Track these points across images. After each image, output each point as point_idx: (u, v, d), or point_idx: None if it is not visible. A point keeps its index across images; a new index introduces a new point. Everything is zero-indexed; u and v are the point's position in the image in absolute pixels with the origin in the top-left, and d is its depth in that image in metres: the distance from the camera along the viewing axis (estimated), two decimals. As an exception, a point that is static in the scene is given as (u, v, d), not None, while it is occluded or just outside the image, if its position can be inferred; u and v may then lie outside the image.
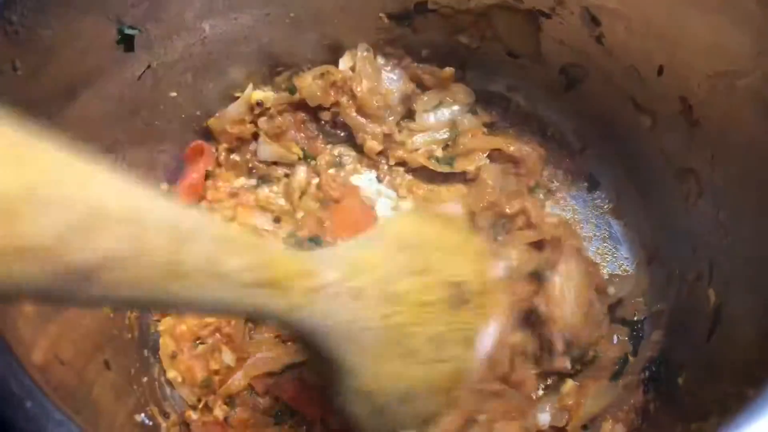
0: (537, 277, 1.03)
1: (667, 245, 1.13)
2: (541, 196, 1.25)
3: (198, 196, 1.19)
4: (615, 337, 1.11)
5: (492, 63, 1.25)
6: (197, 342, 1.09)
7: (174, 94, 1.12)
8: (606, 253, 1.22)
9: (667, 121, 1.05)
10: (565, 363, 1.01)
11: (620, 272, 1.20)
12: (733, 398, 0.66)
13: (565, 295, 1.02)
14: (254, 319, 1.04)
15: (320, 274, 0.67)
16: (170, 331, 1.09)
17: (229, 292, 0.58)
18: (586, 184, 1.26)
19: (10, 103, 0.76)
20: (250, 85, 1.21)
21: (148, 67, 1.01)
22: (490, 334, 0.87)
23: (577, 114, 1.25)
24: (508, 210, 1.13)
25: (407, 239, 0.83)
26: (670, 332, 1.07)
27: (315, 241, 1.15)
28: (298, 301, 0.65)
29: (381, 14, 1.20)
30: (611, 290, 1.14)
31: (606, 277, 1.17)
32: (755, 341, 0.79)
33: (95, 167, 0.50)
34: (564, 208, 1.25)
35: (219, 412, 1.03)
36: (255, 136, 1.24)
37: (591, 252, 1.20)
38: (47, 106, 0.85)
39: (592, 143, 1.26)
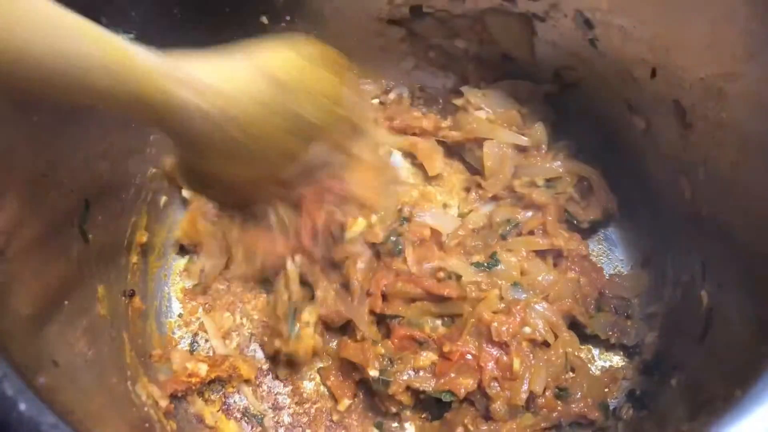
0: None
1: (661, 247, 1.13)
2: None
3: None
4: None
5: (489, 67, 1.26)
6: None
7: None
8: (601, 255, 1.23)
9: (660, 123, 1.06)
10: None
11: (616, 274, 1.20)
12: (721, 399, 0.66)
13: None
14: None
15: (182, 99, 0.72)
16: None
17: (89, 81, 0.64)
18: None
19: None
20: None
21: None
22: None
23: (571, 116, 1.25)
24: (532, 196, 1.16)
25: (274, 74, 0.83)
26: (664, 334, 1.07)
27: None
28: (156, 108, 0.71)
29: (377, 19, 1.21)
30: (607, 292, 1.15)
31: (606, 277, 1.18)
32: (745, 342, 0.80)
33: None
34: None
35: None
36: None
37: (586, 254, 1.20)
38: (42, 115, 0.85)
39: (587, 145, 1.26)
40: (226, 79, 0.78)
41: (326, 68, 0.92)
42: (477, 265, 1.10)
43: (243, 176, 0.88)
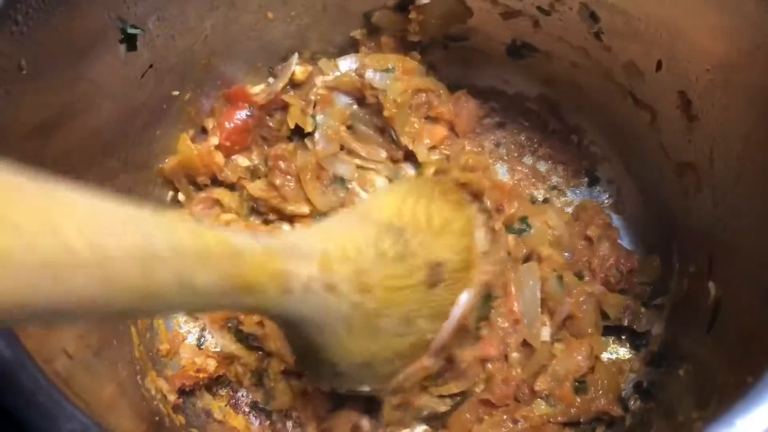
0: None
1: (667, 239, 1.13)
2: (542, 191, 1.26)
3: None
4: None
5: (491, 59, 1.27)
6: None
7: (176, 92, 1.13)
8: (607, 247, 1.22)
9: (666, 115, 1.06)
10: None
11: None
12: (732, 387, 0.66)
13: None
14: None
15: (293, 273, 0.67)
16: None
17: (203, 299, 0.59)
18: (586, 179, 1.27)
19: (16, 103, 0.79)
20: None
21: (151, 66, 1.02)
22: (459, 306, 0.87)
23: (577, 110, 1.26)
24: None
25: (389, 221, 0.82)
26: (671, 325, 1.08)
27: None
28: (272, 301, 0.66)
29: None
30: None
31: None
32: (754, 331, 0.80)
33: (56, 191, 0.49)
34: (564, 203, 1.26)
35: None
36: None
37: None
38: (52, 105, 0.85)
39: (592, 138, 1.27)
40: (326, 238, 0.74)
41: (447, 201, 0.88)
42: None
43: (392, 350, 0.83)
